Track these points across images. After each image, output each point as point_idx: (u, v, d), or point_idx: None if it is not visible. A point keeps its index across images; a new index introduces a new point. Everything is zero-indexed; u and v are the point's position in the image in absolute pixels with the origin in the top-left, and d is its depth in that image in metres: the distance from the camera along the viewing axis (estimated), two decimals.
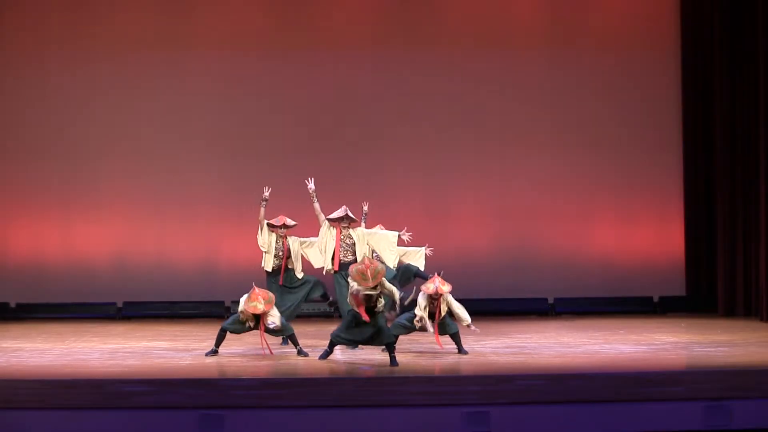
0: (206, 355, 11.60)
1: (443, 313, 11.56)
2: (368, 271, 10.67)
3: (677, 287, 16.78)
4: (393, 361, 10.84)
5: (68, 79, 16.50)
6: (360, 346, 11.60)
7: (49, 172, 16.46)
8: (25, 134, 16.44)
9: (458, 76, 16.74)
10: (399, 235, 12.62)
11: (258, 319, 11.36)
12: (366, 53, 16.78)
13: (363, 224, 12.84)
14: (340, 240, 12.33)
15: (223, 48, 16.60)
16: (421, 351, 11.93)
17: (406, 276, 13.01)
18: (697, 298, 16.68)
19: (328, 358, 11.17)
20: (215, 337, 11.68)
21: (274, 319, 11.41)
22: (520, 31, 16.83)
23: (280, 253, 12.63)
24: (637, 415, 9.87)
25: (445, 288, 11.60)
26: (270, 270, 12.64)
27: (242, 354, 11.71)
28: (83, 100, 16.52)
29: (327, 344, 11.21)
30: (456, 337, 11.70)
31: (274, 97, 16.64)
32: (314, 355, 11.32)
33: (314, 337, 12.80)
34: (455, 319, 11.69)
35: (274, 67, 16.66)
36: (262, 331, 11.46)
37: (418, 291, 11.77)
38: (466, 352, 11.64)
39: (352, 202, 16.53)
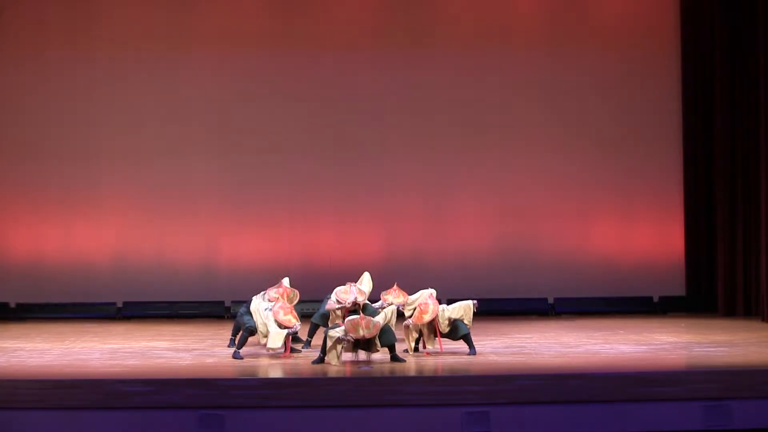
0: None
1: (444, 328, 11.57)
2: (362, 322, 10.75)
3: (677, 287, 16.76)
4: (396, 358, 10.95)
5: (68, 78, 16.47)
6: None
7: (49, 171, 16.44)
8: (24, 133, 16.41)
9: (459, 74, 16.72)
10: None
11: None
12: (367, 51, 16.76)
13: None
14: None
15: (224, 45, 16.58)
16: (420, 351, 11.92)
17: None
18: (697, 298, 16.66)
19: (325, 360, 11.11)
20: (238, 338, 11.68)
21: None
22: (520, 29, 16.82)
23: None
24: (637, 415, 9.87)
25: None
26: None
27: (243, 354, 11.69)
28: (83, 99, 16.49)
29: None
30: (467, 338, 11.68)
31: (274, 96, 16.62)
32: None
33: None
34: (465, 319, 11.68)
35: (275, 64, 16.64)
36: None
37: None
38: (474, 353, 11.59)
39: (352, 200, 16.67)
